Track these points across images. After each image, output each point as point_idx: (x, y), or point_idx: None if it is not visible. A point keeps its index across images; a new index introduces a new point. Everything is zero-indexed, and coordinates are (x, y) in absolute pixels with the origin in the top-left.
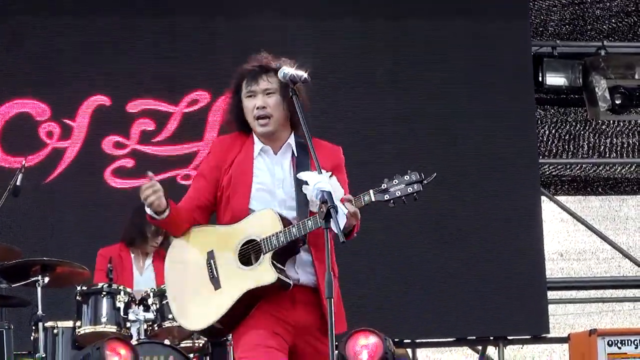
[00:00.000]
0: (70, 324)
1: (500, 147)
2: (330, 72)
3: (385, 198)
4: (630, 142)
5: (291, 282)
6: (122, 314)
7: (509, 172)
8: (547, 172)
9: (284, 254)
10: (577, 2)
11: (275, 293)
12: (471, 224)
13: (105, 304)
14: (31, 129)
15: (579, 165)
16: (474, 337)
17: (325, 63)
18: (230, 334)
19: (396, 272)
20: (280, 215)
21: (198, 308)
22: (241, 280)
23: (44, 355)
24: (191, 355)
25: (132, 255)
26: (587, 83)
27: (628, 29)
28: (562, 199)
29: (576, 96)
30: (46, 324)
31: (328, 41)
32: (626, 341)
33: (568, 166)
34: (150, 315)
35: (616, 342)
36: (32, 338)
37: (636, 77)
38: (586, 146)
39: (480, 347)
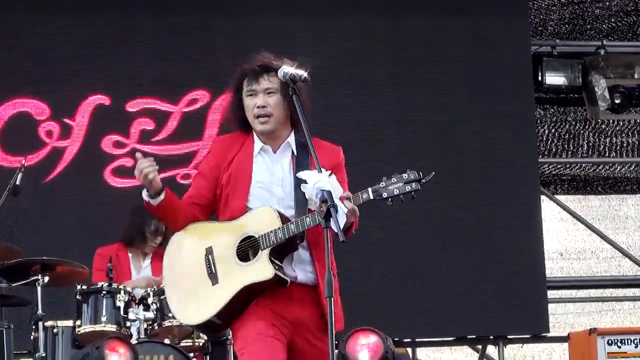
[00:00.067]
0: (70, 323)
1: (500, 147)
2: (330, 71)
3: (384, 196)
4: (630, 141)
5: (288, 279)
6: (122, 313)
7: (508, 172)
8: (547, 172)
9: (282, 251)
10: (577, 2)
11: (272, 289)
12: (471, 223)
13: (105, 303)
14: (31, 128)
15: (579, 165)
16: (474, 336)
17: (325, 63)
18: (229, 330)
19: (394, 271)
20: (279, 213)
21: (195, 303)
22: (239, 275)
23: (44, 355)
24: (191, 355)
25: (131, 255)
26: (587, 82)
27: (627, 28)
28: (561, 198)
29: (576, 95)
30: (46, 324)
31: (328, 41)
32: (626, 340)
33: (568, 165)
34: (150, 315)
35: (616, 341)
36: (32, 337)
37: (636, 76)
38: (586, 145)
39: (480, 346)
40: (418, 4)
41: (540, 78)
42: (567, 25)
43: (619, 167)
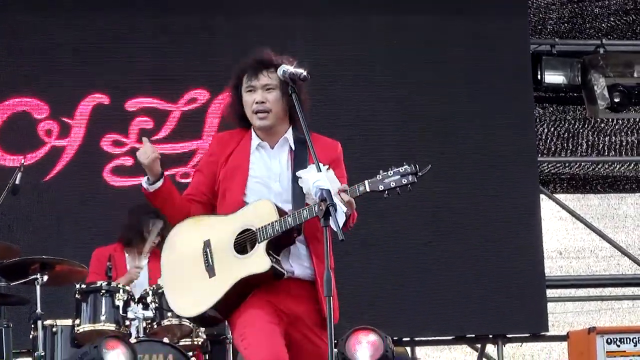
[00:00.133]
0: (69, 322)
1: (499, 146)
2: (329, 71)
3: (380, 188)
4: (629, 140)
5: (285, 272)
6: (121, 312)
7: (508, 170)
8: (546, 170)
9: (279, 244)
10: (576, 0)
11: (269, 282)
12: (470, 222)
13: (104, 302)
14: (30, 127)
15: (578, 164)
16: (473, 335)
17: (324, 63)
18: (228, 329)
19: (392, 270)
20: (277, 206)
21: (193, 296)
22: (235, 268)
23: (43, 354)
24: (190, 354)
25: (128, 255)
26: (586, 81)
27: (627, 27)
28: (561, 197)
29: (575, 94)
30: (45, 322)
31: (328, 41)
32: (625, 339)
33: (567, 164)
34: (150, 314)
35: (615, 340)
36: (31, 336)
37: (635, 75)
38: (585, 144)
39: (479, 345)
40: (418, 4)
41: (539, 77)
42: (566, 24)
43: (618, 166)
